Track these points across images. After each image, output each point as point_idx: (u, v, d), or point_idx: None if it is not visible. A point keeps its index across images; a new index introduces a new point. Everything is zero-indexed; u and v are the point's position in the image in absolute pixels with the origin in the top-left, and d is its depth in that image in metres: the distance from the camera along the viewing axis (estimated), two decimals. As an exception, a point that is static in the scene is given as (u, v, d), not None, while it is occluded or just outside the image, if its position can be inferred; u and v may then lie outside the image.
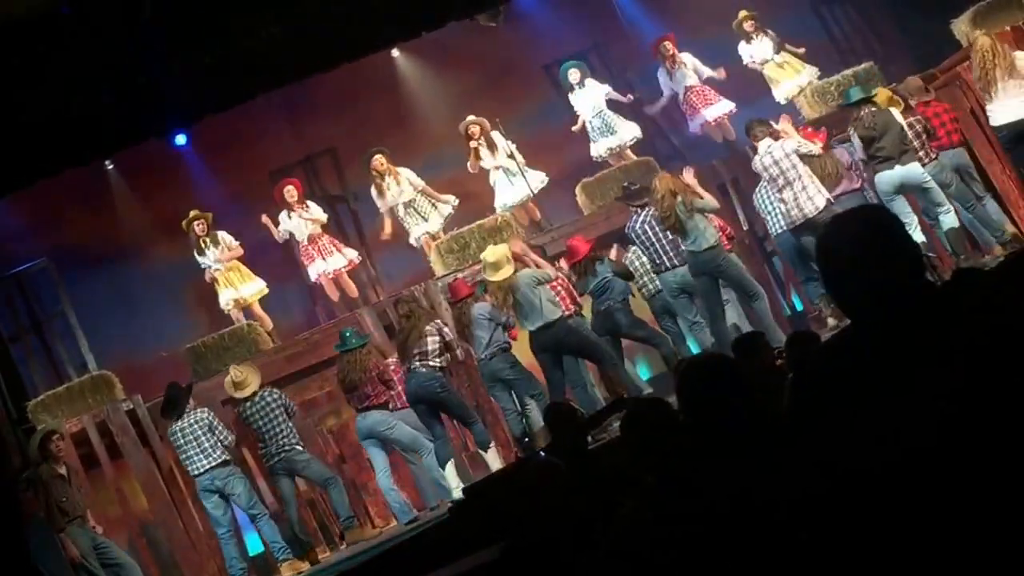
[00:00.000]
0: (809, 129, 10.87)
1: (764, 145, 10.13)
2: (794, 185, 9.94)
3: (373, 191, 12.06)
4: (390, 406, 9.83)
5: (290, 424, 9.88)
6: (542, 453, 6.13)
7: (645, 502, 3.21)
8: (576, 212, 12.24)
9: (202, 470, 9.70)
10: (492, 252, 9.74)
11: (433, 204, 12.05)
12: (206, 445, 9.70)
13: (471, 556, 5.50)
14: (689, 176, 9.91)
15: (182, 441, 9.73)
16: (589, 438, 6.89)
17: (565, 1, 13.95)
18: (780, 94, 12.80)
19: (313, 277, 12.11)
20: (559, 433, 6.00)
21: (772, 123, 10.34)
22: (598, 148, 12.73)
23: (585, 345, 9.74)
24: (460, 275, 10.78)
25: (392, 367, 9.91)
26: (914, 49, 13.28)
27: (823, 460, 2.37)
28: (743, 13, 12.76)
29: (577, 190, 12.23)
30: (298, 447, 9.88)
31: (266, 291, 11.92)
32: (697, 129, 13.06)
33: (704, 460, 3.04)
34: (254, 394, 9.86)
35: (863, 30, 14.75)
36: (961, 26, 11.16)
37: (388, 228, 12.16)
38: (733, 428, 3.04)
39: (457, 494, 8.84)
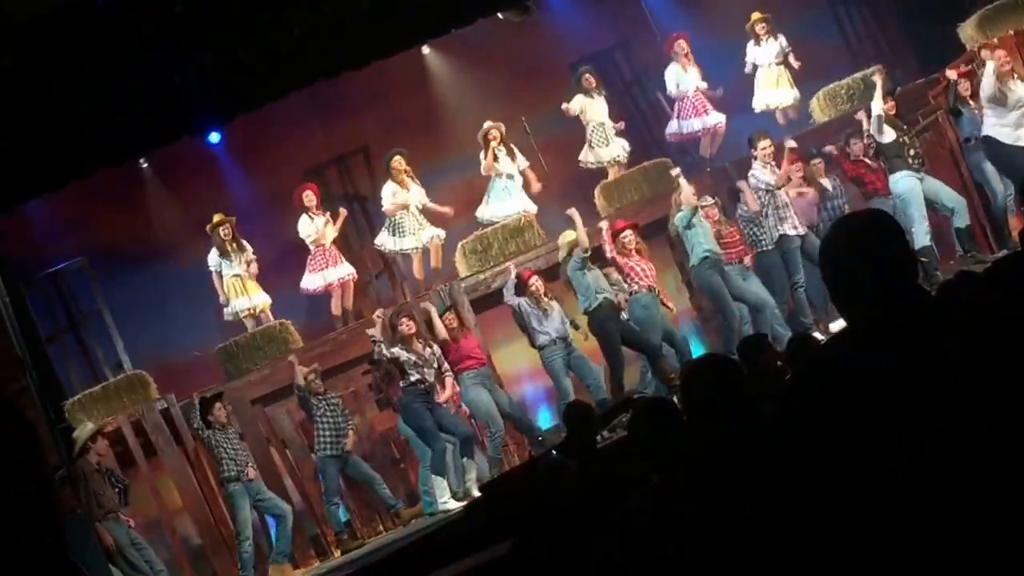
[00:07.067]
0: None
1: None
2: None
3: (389, 189, 11.88)
4: None
5: None
6: (554, 452, 6.39)
7: (649, 501, 3.30)
8: (594, 214, 12.07)
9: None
10: None
11: (421, 225, 11.87)
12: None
13: (484, 551, 5.70)
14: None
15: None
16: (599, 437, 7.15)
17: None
18: (757, 101, 12.84)
19: (321, 284, 11.87)
20: (573, 432, 6.23)
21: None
22: (597, 155, 12.48)
23: None
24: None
25: None
26: (920, 53, 13.34)
27: (816, 462, 2.39)
28: (756, 15, 12.73)
29: (596, 192, 12.28)
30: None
31: (270, 302, 11.94)
32: (677, 133, 12.92)
33: (706, 460, 3.09)
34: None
35: (874, 32, 14.70)
36: (967, 30, 11.28)
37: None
38: (732, 428, 3.10)
39: None
